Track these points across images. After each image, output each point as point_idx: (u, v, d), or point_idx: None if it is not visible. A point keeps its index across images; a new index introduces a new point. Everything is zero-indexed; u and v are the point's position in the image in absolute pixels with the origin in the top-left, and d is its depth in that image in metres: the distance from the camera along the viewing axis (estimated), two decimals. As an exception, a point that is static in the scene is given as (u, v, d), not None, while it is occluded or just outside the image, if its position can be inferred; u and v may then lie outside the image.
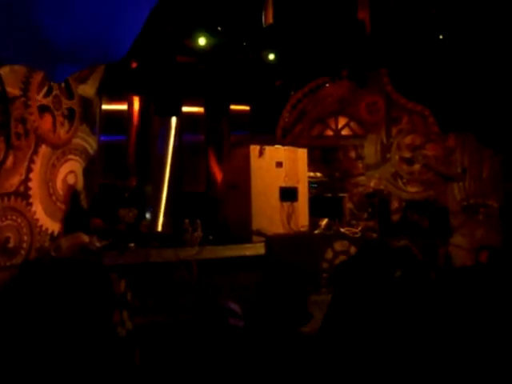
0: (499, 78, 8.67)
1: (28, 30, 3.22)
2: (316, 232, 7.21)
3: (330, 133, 9.56)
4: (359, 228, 7.42)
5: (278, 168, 7.03)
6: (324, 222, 7.34)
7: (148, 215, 7.58)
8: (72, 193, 6.92)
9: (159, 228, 8.16)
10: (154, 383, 5.01)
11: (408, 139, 9.41)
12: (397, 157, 9.39)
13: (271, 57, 8.39)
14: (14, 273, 5.98)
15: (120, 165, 7.20)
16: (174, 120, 8.65)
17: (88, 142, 7.27)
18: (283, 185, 7.04)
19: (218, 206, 7.52)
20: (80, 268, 5.62)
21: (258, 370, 3.68)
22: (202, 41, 7.83)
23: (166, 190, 8.44)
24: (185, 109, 8.85)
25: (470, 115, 9.06)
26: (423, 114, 9.39)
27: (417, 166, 9.33)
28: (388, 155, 9.43)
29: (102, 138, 7.70)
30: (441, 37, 8.06)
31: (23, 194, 6.26)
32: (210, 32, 7.83)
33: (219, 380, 3.70)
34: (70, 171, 6.97)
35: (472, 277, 6.11)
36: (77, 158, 7.06)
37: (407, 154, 9.34)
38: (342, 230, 7.28)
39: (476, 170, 9.50)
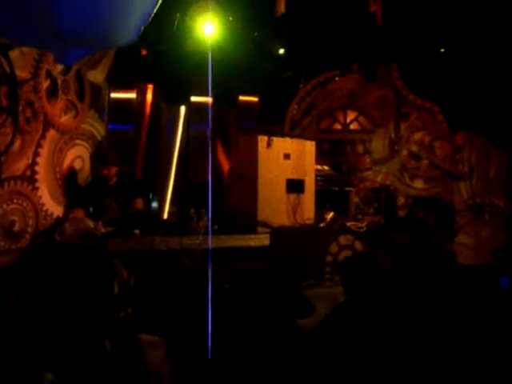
0: (510, 76, 8.63)
1: (39, 13, 3.22)
2: (321, 225, 7.19)
3: (338, 126, 9.52)
4: (365, 223, 7.40)
5: (286, 160, 7.02)
6: (330, 215, 7.32)
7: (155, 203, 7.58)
8: (78, 178, 6.93)
9: (165, 216, 8.16)
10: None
11: (416, 135, 9.37)
12: (404, 151, 9.35)
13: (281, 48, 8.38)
14: (19, 256, 5.99)
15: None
16: (183, 109, 8.64)
17: (96, 127, 7.27)
18: (290, 177, 7.03)
19: (224, 196, 7.51)
20: (84, 253, 5.63)
21: (257, 360, 3.67)
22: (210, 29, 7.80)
23: (173, 179, 8.43)
24: (193, 98, 8.83)
25: (479, 113, 9.02)
26: (432, 110, 9.34)
27: (423, 162, 9.30)
28: (396, 148, 9.39)
29: (109, 127, 7.70)
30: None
31: (30, 178, 6.27)
32: (220, 21, 7.80)
33: (219, 367, 3.70)
34: (77, 156, 6.98)
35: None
36: (84, 143, 7.07)
37: (414, 149, 9.31)
38: (348, 224, 7.27)
39: (483, 168, 9.47)
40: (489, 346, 4.01)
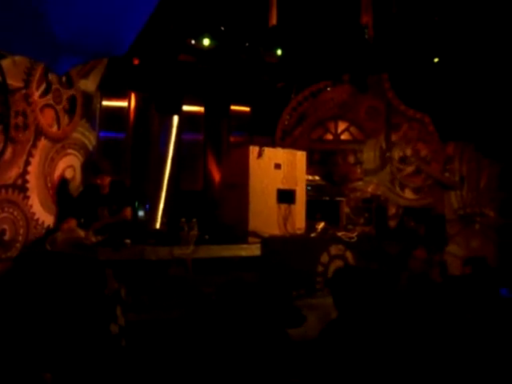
0: (500, 88, 8.68)
1: (32, 21, 3.22)
2: (312, 235, 7.20)
3: (329, 137, 9.55)
4: (355, 233, 7.40)
5: (277, 170, 7.03)
6: (320, 225, 7.33)
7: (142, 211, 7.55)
8: (69, 187, 6.91)
9: (157, 225, 8.14)
10: (144, 380, 4.99)
11: (407, 146, 9.41)
12: (395, 158, 9.38)
13: (273, 58, 8.41)
14: (9, 265, 5.96)
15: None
16: (175, 118, 8.64)
17: (87, 137, 7.26)
18: (281, 187, 7.04)
19: (215, 205, 7.51)
20: (75, 262, 5.60)
21: (248, 369, 3.66)
22: (205, 41, 7.83)
23: (165, 189, 8.42)
24: (185, 108, 8.85)
25: (469, 124, 9.06)
26: (423, 121, 9.40)
27: (411, 169, 9.34)
28: (387, 155, 9.41)
29: (101, 134, 7.70)
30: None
31: (21, 187, 6.25)
32: (212, 32, 7.83)
33: (210, 377, 3.68)
34: (69, 166, 6.96)
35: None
36: (75, 152, 7.06)
37: (408, 153, 9.33)
38: (339, 234, 7.27)
39: (474, 178, 9.50)
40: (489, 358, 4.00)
